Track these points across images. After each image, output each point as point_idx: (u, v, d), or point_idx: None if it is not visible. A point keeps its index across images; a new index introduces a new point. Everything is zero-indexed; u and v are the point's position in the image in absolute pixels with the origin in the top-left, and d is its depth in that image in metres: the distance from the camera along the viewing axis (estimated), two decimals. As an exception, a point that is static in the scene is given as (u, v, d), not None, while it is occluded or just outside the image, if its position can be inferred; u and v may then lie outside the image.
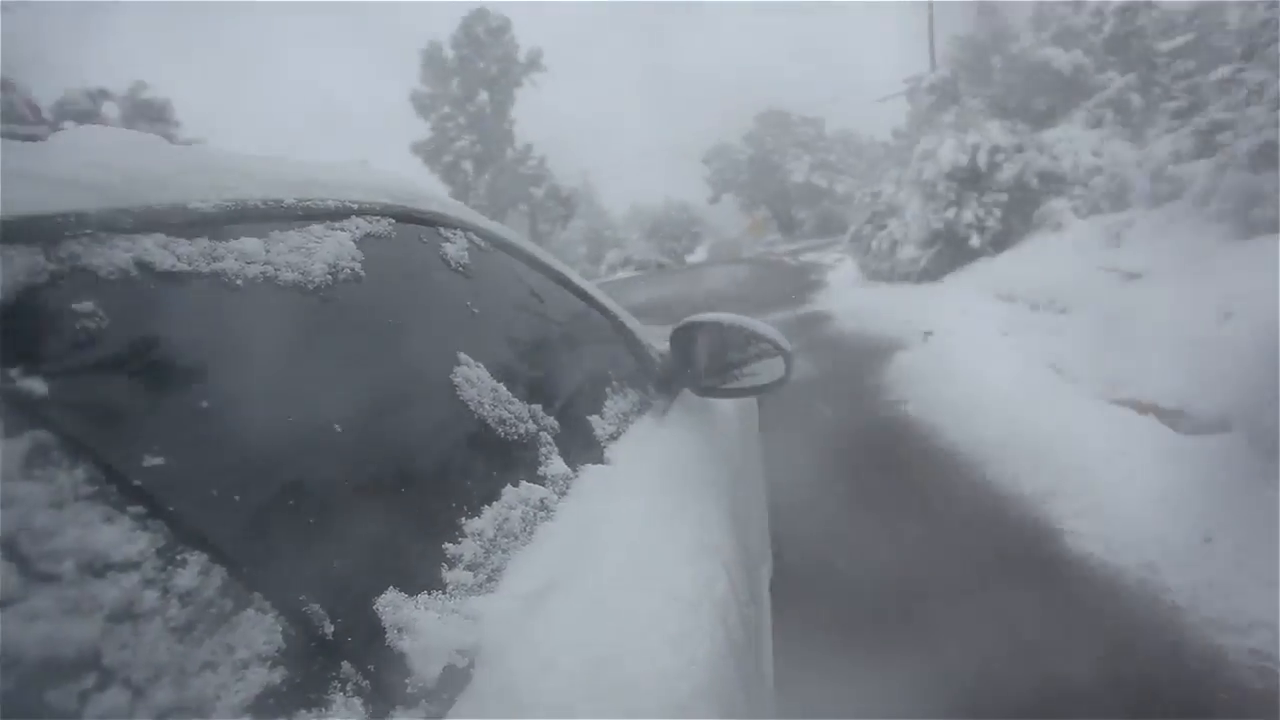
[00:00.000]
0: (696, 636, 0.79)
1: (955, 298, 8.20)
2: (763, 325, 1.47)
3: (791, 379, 1.48)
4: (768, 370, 1.50)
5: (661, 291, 14.18)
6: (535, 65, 26.81)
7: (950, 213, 9.89)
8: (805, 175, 36.16)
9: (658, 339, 1.61)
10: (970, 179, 9.90)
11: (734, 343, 1.51)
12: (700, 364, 1.50)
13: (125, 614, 0.40)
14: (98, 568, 0.40)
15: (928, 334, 6.72)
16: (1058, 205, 9.25)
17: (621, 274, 28.41)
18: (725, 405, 1.71)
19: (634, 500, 0.99)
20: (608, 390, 1.26)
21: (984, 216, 9.76)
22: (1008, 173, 9.72)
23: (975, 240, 9.72)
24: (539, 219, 27.19)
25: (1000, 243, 9.64)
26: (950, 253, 9.94)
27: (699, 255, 39.19)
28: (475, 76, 26.16)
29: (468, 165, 26.43)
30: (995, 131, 10.24)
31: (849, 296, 10.55)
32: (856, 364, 6.32)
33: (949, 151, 10.01)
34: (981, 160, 9.79)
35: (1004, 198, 9.72)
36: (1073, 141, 10.23)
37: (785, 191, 37.59)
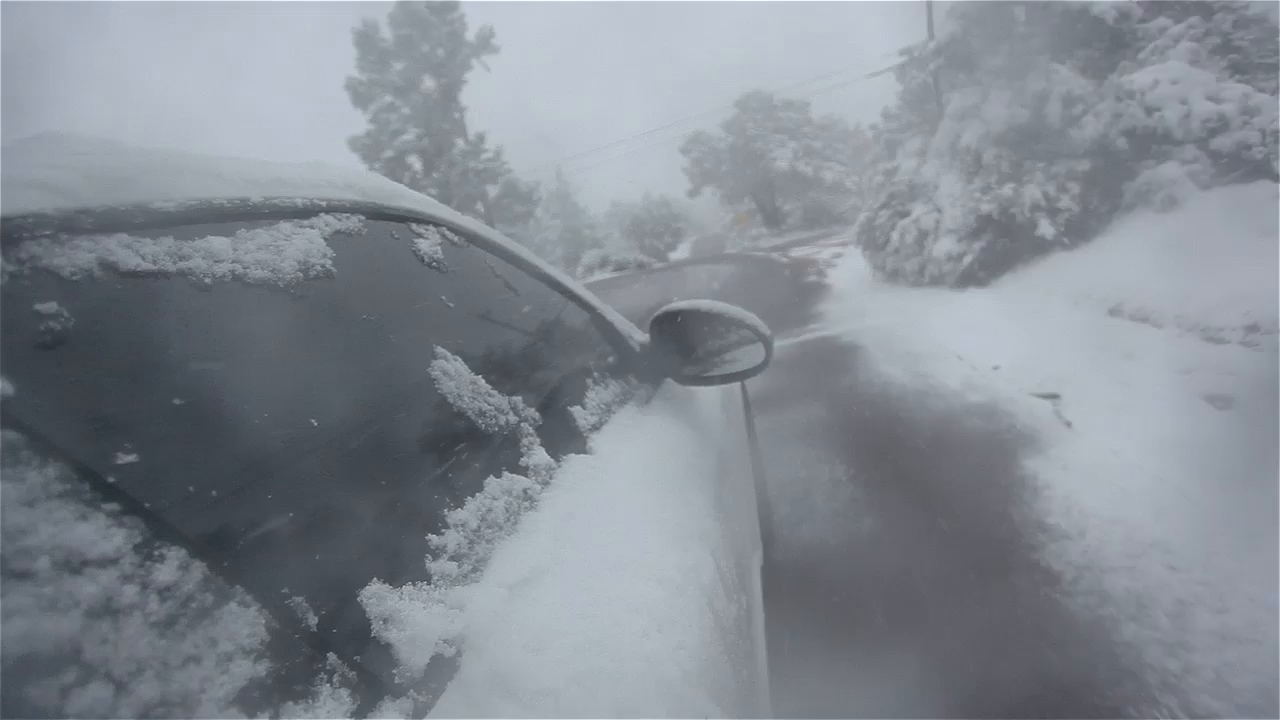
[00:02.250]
0: (683, 622, 0.80)
1: (1037, 313, 5.44)
2: (741, 311, 1.47)
3: (770, 363, 1.49)
4: (748, 356, 1.51)
5: (639, 299, 11.63)
6: (486, 46, 22.42)
7: (1006, 189, 7.02)
8: (790, 163, 33.70)
9: (637, 329, 1.61)
10: (1031, 140, 6.85)
11: (714, 330, 1.52)
12: (681, 352, 1.51)
13: (105, 610, 0.40)
14: (74, 564, 0.40)
15: (1065, 420, 3.63)
16: (1168, 173, 6.23)
17: (599, 275, 27.18)
18: (708, 392, 1.72)
19: (618, 489, 0.99)
20: (589, 381, 1.26)
21: (1055, 195, 6.73)
22: (1090, 130, 6.54)
23: (1046, 228, 6.68)
24: (495, 217, 22.97)
25: (1079, 230, 6.60)
26: (1006, 246, 7.10)
27: (682, 251, 38.09)
28: (419, 61, 21.94)
29: (414, 160, 22.48)
30: (1066, 74, 7.07)
31: (869, 310, 7.57)
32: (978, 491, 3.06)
33: (999, 105, 6.95)
34: (1054, 113, 6.63)
35: (1085, 166, 6.63)
36: (1178, 84, 6.68)
37: (769, 181, 35.44)
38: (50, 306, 0.47)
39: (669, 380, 1.53)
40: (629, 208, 39.73)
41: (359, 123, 22.39)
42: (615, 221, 41.69)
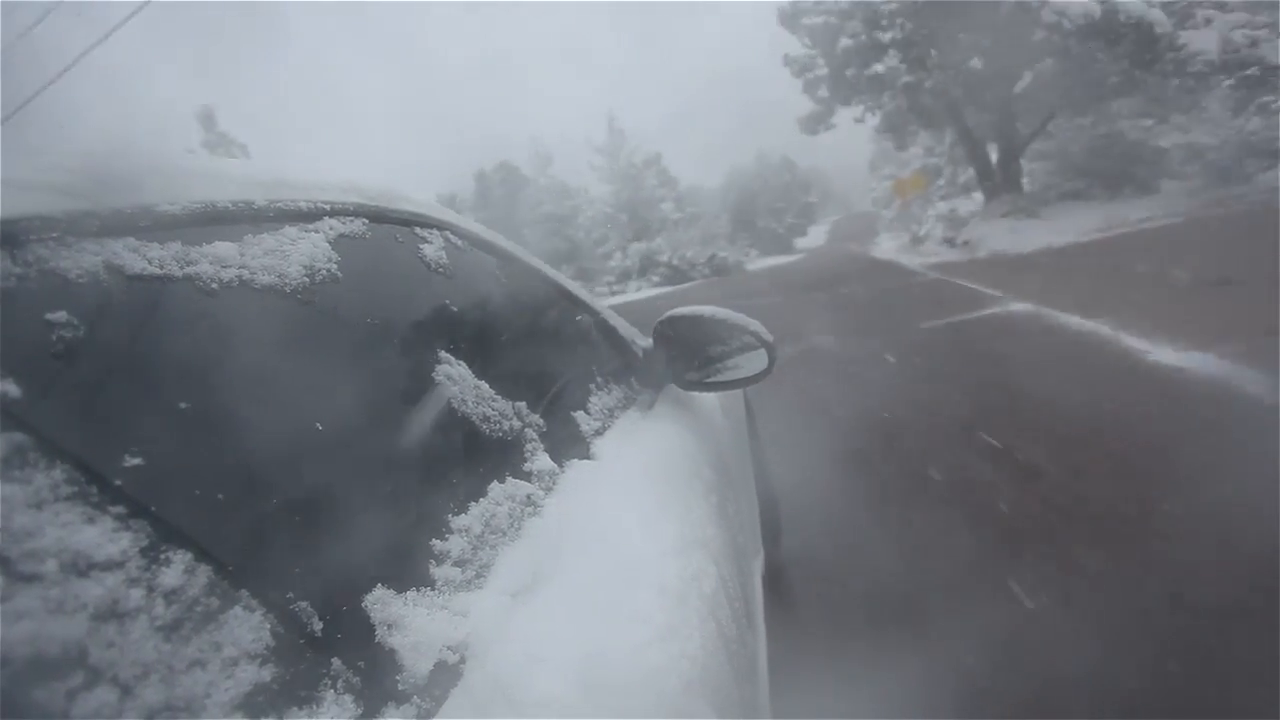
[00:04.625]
0: (685, 630, 0.79)
1: None
2: (744, 318, 1.47)
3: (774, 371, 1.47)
4: (751, 362, 1.51)
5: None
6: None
7: None
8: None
9: (640, 334, 1.61)
10: None
11: (717, 336, 1.52)
12: (684, 358, 1.51)
13: (110, 613, 0.39)
14: (81, 567, 0.39)
15: None
16: None
17: (634, 291, 16.18)
18: (710, 398, 1.72)
19: (621, 495, 0.99)
20: (592, 386, 1.26)
21: None
22: None
23: None
24: None
25: None
26: None
27: (815, 238, 24.91)
28: None
29: None
30: None
31: None
32: None
33: None
34: None
35: None
36: None
37: (1021, 60, 13.71)
38: (56, 308, 0.47)
39: (671, 385, 1.53)
40: (738, 176, 26.88)
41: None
42: (725, 199, 29.21)
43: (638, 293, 16.56)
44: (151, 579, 0.42)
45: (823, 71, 17.30)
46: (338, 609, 0.55)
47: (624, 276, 17.55)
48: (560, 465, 0.97)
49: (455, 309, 0.99)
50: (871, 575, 2.65)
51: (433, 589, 0.64)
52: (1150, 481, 2.91)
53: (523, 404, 0.98)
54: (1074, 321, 5.98)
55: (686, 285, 16.75)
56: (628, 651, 0.70)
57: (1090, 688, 1.89)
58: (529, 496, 0.87)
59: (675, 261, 18.06)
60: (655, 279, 17.59)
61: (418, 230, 1.01)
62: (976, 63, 14.98)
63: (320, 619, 0.52)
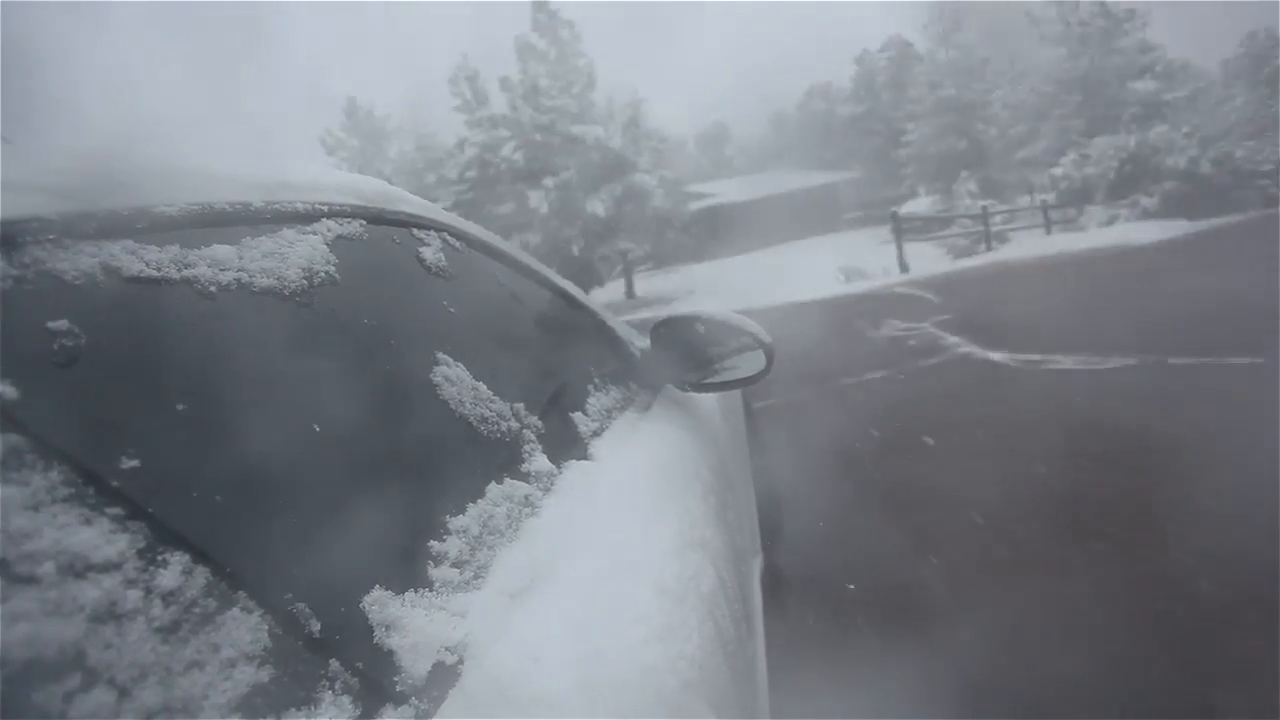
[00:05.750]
0: (684, 630, 0.79)
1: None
2: (742, 319, 1.48)
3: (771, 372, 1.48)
4: (749, 363, 1.51)
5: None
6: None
7: None
8: None
9: (638, 335, 1.61)
10: None
11: (715, 337, 1.52)
12: (682, 359, 1.51)
13: (108, 614, 0.39)
14: (78, 569, 0.39)
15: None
16: None
17: (1106, 224, 8.82)
18: (708, 399, 1.72)
19: (618, 495, 0.99)
20: (590, 387, 1.26)
21: None
22: None
23: None
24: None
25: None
26: None
27: None
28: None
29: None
30: None
31: None
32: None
33: None
34: None
35: None
36: None
37: None
38: (54, 310, 0.47)
39: (669, 386, 1.53)
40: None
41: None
42: (1252, 71, 18.86)
43: (1130, 225, 8.19)
44: (149, 580, 0.42)
45: None
46: (336, 610, 0.54)
47: (1074, 195, 10.15)
48: (558, 466, 0.97)
49: (453, 310, 0.99)
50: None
51: (431, 590, 0.64)
52: None
53: (520, 405, 0.98)
54: None
55: (1231, 219, 7.77)
56: (626, 651, 0.70)
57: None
58: (527, 497, 0.87)
59: (1205, 168, 9.71)
60: (1145, 202, 9.63)
61: (415, 232, 1.01)
62: None
63: (318, 620, 0.52)
